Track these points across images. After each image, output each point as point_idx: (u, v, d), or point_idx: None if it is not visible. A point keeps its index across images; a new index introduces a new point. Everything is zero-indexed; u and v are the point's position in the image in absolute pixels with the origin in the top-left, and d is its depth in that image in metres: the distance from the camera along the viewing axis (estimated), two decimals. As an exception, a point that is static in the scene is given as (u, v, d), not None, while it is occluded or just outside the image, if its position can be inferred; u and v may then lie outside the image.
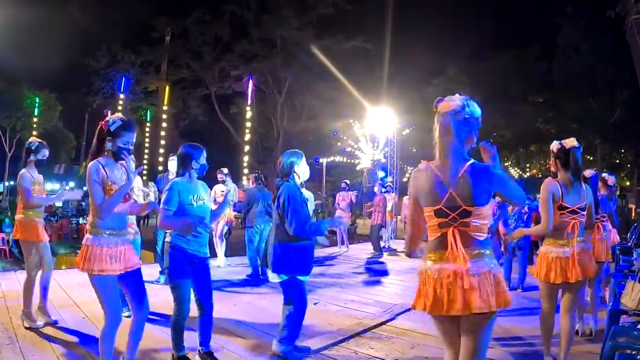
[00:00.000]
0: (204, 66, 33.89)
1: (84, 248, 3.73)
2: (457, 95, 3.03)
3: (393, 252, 13.80)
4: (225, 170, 10.71)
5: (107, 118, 3.82)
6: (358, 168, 34.53)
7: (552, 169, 4.82)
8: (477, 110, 3.02)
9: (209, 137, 36.53)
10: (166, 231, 4.75)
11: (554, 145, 4.80)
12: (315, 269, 10.34)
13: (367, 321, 6.31)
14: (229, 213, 10.52)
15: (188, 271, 4.49)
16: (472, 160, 2.92)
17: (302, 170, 4.95)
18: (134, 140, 3.90)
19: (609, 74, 30.02)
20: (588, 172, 6.21)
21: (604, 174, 7.42)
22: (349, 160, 35.32)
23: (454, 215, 2.88)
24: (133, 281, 3.93)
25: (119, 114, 3.96)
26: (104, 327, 3.76)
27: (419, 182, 3.02)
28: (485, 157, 3.26)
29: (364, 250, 13.70)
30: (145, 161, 37.06)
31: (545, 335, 4.84)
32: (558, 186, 4.60)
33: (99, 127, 3.81)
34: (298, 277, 4.74)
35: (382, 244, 14.10)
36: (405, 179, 36.77)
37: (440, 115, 3.00)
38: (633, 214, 25.22)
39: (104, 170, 3.70)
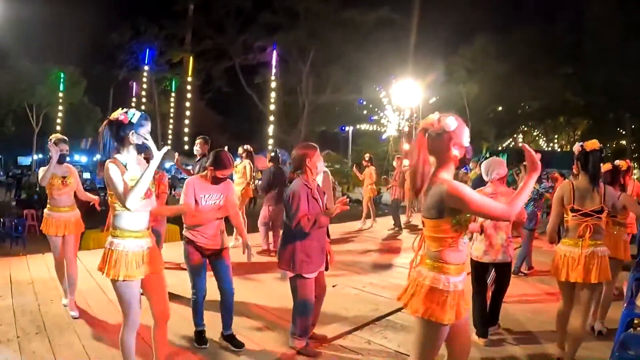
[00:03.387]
0: (228, 38, 33.75)
1: (107, 252, 3.67)
2: (430, 115, 3.11)
3: (414, 228, 13.71)
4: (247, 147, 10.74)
5: (117, 113, 3.70)
6: (384, 137, 34.34)
7: (574, 170, 4.83)
8: (450, 123, 3.00)
9: (234, 107, 36.67)
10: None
11: (576, 147, 4.85)
12: (334, 248, 10.47)
13: (383, 307, 6.38)
14: (247, 190, 10.49)
15: (200, 259, 4.85)
16: (439, 175, 3.02)
17: (313, 165, 4.85)
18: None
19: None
20: (607, 166, 6.18)
21: (616, 162, 7.34)
22: (375, 129, 35.09)
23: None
24: (156, 286, 3.92)
25: (121, 110, 3.75)
26: (123, 333, 3.77)
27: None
28: (529, 168, 3.20)
29: (385, 225, 13.68)
30: (170, 131, 37.32)
31: (560, 331, 4.97)
32: (570, 189, 4.68)
33: (111, 122, 3.68)
34: (304, 274, 4.75)
35: (403, 218, 14.04)
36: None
37: (418, 134, 3.08)
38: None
39: (123, 167, 3.62)
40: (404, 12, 30.62)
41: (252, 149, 10.78)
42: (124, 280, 3.63)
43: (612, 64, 31.92)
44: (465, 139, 3.07)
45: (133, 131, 3.66)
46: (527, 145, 3.14)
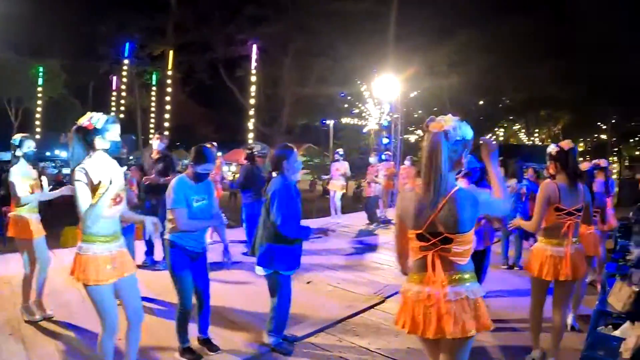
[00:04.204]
0: (211, 30, 33.51)
1: (77, 257, 3.67)
2: (449, 115, 2.97)
3: (387, 223, 13.52)
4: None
5: (83, 119, 3.70)
6: (365, 130, 34.37)
7: (551, 171, 4.89)
8: (469, 132, 2.96)
9: (217, 100, 36.51)
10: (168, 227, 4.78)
11: (552, 148, 4.90)
12: (309, 244, 10.42)
13: (358, 304, 6.47)
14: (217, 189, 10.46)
15: (188, 266, 4.69)
16: (458, 186, 2.92)
17: (290, 166, 4.86)
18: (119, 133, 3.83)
19: (626, 40, 29.57)
20: (585, 165, 6.36)
21: (595, 160, 7.51)
22: (356, 122, 35.09)
23: (435, 240, 2.90)
24: (128, 288, 3.91)
25: (91, 113, 3.77)
26: (101, 337, 3.78)
27: (404, 204, 3.05)
28: (484, 154, 3.23)
29: (361, 221, 13.65)
30: (151, 125, 37.08)
31: (533, 329, 5.03)
32: (557, 189, 4.71)
33: (78, 129, 3.68)
34: (282, 272, 4.80)
35: (378, 213, 14.02)
36: (412, 140, 36.71)
37: (430, 135, 2.91)
38: (640, 186, 24.94)
39: (92, 172, 3.60)
40: (388, 4, 30.56)
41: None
42: (94, 285, 3.64)
43: (597, 56, 32.11)
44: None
45: (100, 136, 3.66)
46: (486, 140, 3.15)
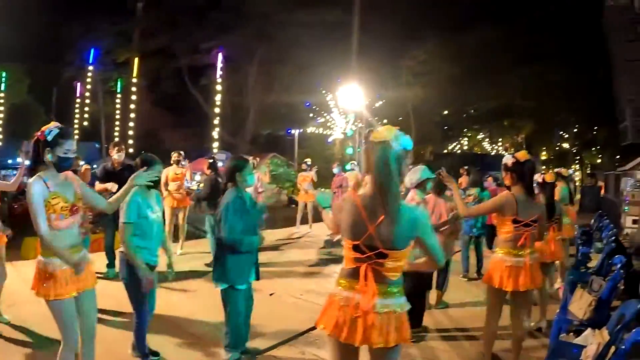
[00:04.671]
0: (177, 37, 33.25)
1: (37, 271, 3.62)
2: (389, 126, 2.92)
3: None
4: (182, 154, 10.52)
5: (42, 128, 3.64)
6: (330, 140, 34.40)
7: (507, 182, 4.91)
8: (408, 143, 2.93)
9: (183, 108, 36.21)
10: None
11: (508, 159, 4.91)
12: (274, 254, 10.33)
13: (321, 315, 6.33)
14: (185, 199, 10.34)
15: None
16: (401, 202, 2.89)
17: (244, 179, 4.84)
18: (75, 148, 3.73)
19: (591, 53, 30.12)
20: (550, 177, 6.50)
21: (557, 169, 7.65)
22: (322, 132, 35.10)
23: (371, 254, 2.86)
24: (87, 303, 3.84)
25: (55, 123, 3.72)
26: (61, 352, 3.69)
27: (342, 213, 3.02)
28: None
29: (326, 231, 13.53)
30: (116, 133, 36.61)
31: (487, 341, 5.01)
32: (514, 201, 4.71)
33: (35, 139, 3.62)
34: (236, 286, 4.73)
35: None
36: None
37: (372, 146, 2.88)
38: (602, 192, 25.40)
39: (46, 184, 3.54)
40: (353, 13, 30.66)
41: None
42: (55, 299, 3.58)
43: (561, 67, 32.72)
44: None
45: (49, 149, 3.58)
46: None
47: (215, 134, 32.81)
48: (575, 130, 41.54)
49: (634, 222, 11.58)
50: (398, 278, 2.93)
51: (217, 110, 33.04)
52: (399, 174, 2.88)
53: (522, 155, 4.82)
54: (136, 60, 35.50)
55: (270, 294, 7.33)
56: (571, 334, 4.94)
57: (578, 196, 28.32)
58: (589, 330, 4.52)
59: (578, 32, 31.41)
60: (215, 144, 31.97)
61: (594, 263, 7.82)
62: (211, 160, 9.82)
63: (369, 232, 2.84)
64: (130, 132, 34.84)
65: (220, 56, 32.76)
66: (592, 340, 4.19)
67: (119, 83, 38.67)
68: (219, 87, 32.97)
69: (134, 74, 35.81)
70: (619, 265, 5.98)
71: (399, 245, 2.83)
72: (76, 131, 33.62)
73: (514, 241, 4.73)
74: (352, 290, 2.90)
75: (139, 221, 4.51)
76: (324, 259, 10.51)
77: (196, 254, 10.04)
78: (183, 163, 10.48)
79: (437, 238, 2.94)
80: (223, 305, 4.82)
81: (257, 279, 5.03)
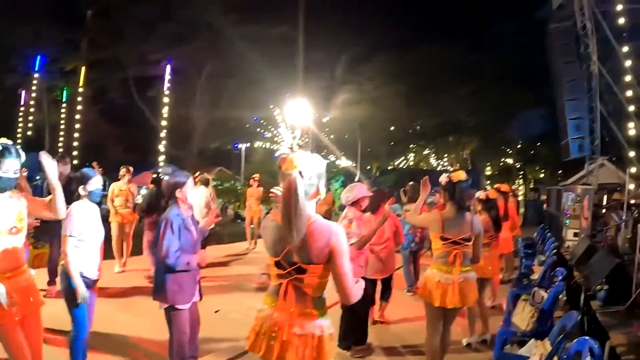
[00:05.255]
0: (125, 47, 32.69)
1: None
2: (300, 151, 2.98)
3: None
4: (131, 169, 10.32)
5: None
6: (277, 154, 34.27)
7: (441, 200, 5.11)
8: (321, 164, 3.01)
9: (129, 120, 35.60)
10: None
11: (443, 178, 5.10)
12: (220, 270, 10.24)
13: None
14: (132, 214, 10.15)
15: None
16: (314, 218, 2.92)
17: (184, 195, 4.77)
18: (19, 167, 3.61)
19: (534, 72, 30.86)
20: (493, 194, 6.75)
21: (497, 185, 7.88)
22: (269, 146, 35.02)
23: (290, 269, 2.90)
24: (32, 327, 3.76)
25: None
26: None
27: (265, 231, 3.10)
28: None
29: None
30: (60, 144, 35.77)
31: (429, 355, 5.13)
32: (440, 219, 4.92)
33: None
34: (178, 306, 4.65)
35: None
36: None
37: (284, 173, 2.91)
38: (545, 206, 26.08)
39: None
40: (305, 29, 30.76)
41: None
42: None
43: (507, 85, 33.52)
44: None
45: None
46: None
47: (161, 147, 32.42)
48: (519, 146, 42.47)
49: (575, 235, 11.90)
50: (321, 297, 2.96)
51: (163, 122, 32.65)
52: (310, 195, 2.94)
53: (456, 175, 5.00)
54: (83, 69, 34.76)
55: (216, 311, 7.31)
56: (515, 345, 5.04)
57: (522, 210, 28.99)
58: (532, 341, 4.62)
59: (523, 52, 32.34)
60: (161, 157, 31.58)
61: (536, 275, 8.00)
62: (155, 175, 9.68)
63: (287, 247, 2.88)
64: (75, 143, 34.04)
65: (168, 68, 32.42)
66: (535, 351, 4.29)
67: (64, 92, 37.77)
68: (166, 100, 32.64)
69: (81, 83, 35.03)
70: (560, 277, 6.16)
71: (316, 260, 2.85)
72: (19, 141, 32.62)
73: (443, 258, 4.91)
74: (273, 308, 2.96)
75: (80, 234, 4.45)
76: (269, 276, 10.41)
77: (141, 270, 9.83)
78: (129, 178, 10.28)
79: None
80: (168, 326, 4.75)
81: (200, 299, 4.98)
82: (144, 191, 18.53)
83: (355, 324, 5.94)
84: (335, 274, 2.88)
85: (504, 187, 7.15)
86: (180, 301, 4.63)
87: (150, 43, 31.70)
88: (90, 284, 4.60)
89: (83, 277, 4.49)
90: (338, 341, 5.88)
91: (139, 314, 7.08)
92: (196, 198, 10.21)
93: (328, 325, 2.95)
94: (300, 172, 2.84)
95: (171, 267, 4.50)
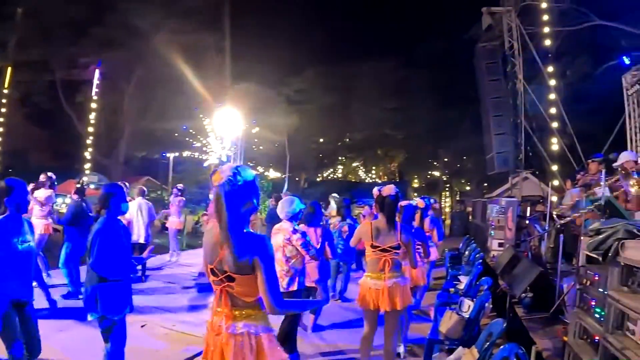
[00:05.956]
0: (54, 49, 31.59)
1: None
2: (226, 165, 3.12)
3: None
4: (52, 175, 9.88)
5: None
6: (205, 164, 33.99)
7: (374, 211, 5.43)
8: (249, 174, 3.09)
9: (56, 125, 34.41)
10: None
11: (374, 191, 5.46)
12: (146, 283, 10.00)
13: (195, 346, 6.26)
14: (47, 224, 9.72)
15: (13, 311, 4.34)
16: (246, 230, 3.03)
17: (118, 205, 4.74)
18: None
19: (462, 88, 31.63)
20: (420, 202, 7.00)
21: (415, 199, 8.19)
22: (197, 156, 34.60)
23: (222, 277, 3.03)
24: None
25: None
26: None
27: (204, 238, 3.23)
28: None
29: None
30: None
31: (362, 355, 5.38)
32: (370, 229, 5.30)
33: None
34: (109, 316, 4.56)
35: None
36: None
37: (214, 186, 3.02)
38: (471, 218, 26.77)
39: None
40: (236, 40, 30.67)
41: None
42: None
43: (435, 101, 34.36)
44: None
45: None
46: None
47: (87, 154, 31.47)
48: (446, 160, 43.48)
49: (500, 245, 12.17)
50: (254, 301, 3.02)
51: (90, 129, 31.72)
52: (242, 206, 3.02)
53: (386, 189, 5.37)
54: (9, 70, 33.43)
55: (142, 326, 7.15)
56: (443, 353, 5.14)
57: (448, 221, 29.59)
58: (460, 348, 4.70)
59: (451, 70, 33.21)
60: (87, 165, 30.68)
61: (462, 285, 8.15)
62: (78, 185, 9.34)
63: (219, 256, 3.01)
64: (-1, 149, 32.69)
65: (97, 72, 31.56)
66: (463, 358, 4.34)
67: (-13, 94, 36.25)
68: (94, 105, 31.74)
69: (6, 85, 33.67)
70: (486, 287, 6.28)
71: (242, 271, 2.95)
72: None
73: (374, 265, 5.26)
74: (214, 314, 3.10)
75: (5, 251, 4.25)
76: (199, 287, 10.29)
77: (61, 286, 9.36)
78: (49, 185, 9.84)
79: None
80: (102, 336, 4.64)
81: (131, 310, 4.88)
82: (68, 200, 17.95)
83: (284, 334, 5.92)
84: (260, 285, 2.93)
85: (420, 202, 7.36)
86: (114, 311, 4.55)
87: (80, 46, 30.86)
88: (20, 304, 4.40)
89: (7, 295, 4.27)
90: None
91: (64, 330, 6.81)
92: (131, 208, 9.98)
93: (265, 326, 3.05)
94: (228, 184, 2.94)
95: (104, 276, 4.45)
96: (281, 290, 5.51)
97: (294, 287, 5.90)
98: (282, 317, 5.82)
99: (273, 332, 3.12)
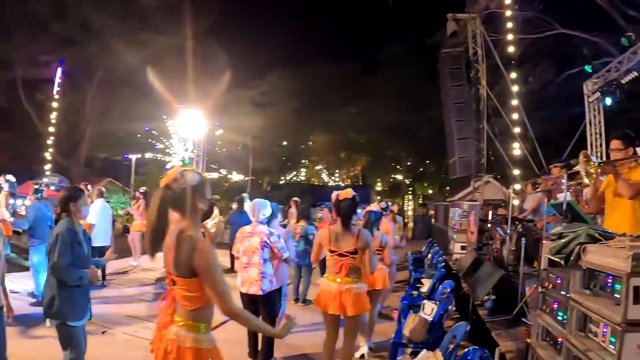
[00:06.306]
0: (15, 45, 30.85)
1: None
2: (174, 167, 3.10)
3: None
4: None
5: None
6: (168, 166, 33.52)
7: (333, 215, 5.69)
8: (194, 177, 3.03)
9: (13, 125, 33.66)
10: None
11: (333, 195, 5.50)
12: (107, 288, 9.80)
13: (155, 353, 6.09)
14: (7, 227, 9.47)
15: None
16: (188, 232, 2.95)
17: (78, 209, 4.71)
18: None
19: (425, 93, 31.88)
20: (377, 206, 7.06)
21: (375, 203, 8.30)
22: (160, 158, 34.26)
23: (170, 279, 3.01)
24: None
25: None
26: None
27: (165, 241, 3.11)
28: None
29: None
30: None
31: (325, 357, 5.46)
32: (328, 234, 5.34)
33: None
34: (69, 323, 4.49)
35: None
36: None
37: (162, 189, 2.97)
38: (433, 221, 26.99)
39: None
40: (200, 42, 30.43)
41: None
42: None
43: (398, 105, 34.53)
44: (208, 192, 3.12)
45: None
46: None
47: (47, 155, 30.88)
48: (409, 163, 43.83)
49: (462, 248, 12.29)
50: (196, 310, 2.95)
51: (51, 129, 31.10)
52: (189, 208, 2.99)
53: (344, 193, 5.39)
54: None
55: (102, 332, 7.07)
56: (407, 355, 5.16)
57: (411, 224, 29.76)
58: (424, 351, 4.72)
59: (414, 75, 33.52)
60: (48, 166, 30.11)
61: (425, 287, 8.19)
62: (36, 186, 9.10)
63: (168, 258, 3.01)
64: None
65: (59, 71, 30.93)
66: (428, 361, 4.35)
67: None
68: (55, 104, 31.09)
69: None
70: (449, 290, 6.32)
71: (183, 274, 2.90)
72: None
73: (332, 268, 5.30)
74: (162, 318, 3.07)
75: None
76: (159, 293, 10.08)
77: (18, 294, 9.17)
78: (3, 186, 9.56)
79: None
80: (61, 344, 4.55)
81: (90, 317, 4.82)
82: (28, 202, 17.51)
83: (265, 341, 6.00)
84: (207, 289, 2.88)
85: (376, 206, 7.41)
86: (73, 317, 4.49)
87: (42, 43, 30.21)
88: None
89: None
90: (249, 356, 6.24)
91: (28, 337, 6.70)
92: (91, 211, 9.79)
93: (198, 340, 2.92)
94: (168, 186, 2.92)
95: (64, 281, 4.39)
96: (259, 293, 5.57)
97: (271, 289, 5.97)
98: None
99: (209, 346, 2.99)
